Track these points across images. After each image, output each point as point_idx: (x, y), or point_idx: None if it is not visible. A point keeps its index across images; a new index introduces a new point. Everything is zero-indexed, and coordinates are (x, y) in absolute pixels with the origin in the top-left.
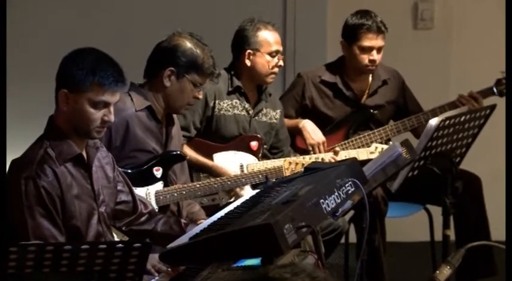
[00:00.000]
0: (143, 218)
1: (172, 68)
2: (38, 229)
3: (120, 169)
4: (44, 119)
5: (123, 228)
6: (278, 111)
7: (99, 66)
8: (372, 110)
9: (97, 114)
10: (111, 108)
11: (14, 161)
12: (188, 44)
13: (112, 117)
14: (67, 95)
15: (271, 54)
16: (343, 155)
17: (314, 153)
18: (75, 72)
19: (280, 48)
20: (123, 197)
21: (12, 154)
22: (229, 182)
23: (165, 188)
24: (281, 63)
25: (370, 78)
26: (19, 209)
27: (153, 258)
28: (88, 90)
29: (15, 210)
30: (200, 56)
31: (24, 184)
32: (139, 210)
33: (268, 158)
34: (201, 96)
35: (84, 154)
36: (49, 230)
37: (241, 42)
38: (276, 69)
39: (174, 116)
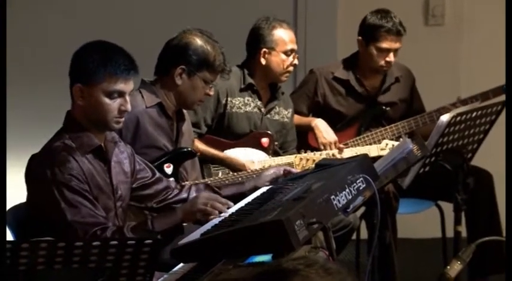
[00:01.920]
0: (175, 192)
1: (184, 66)
2: (76, 213)
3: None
4: (48, 119)
5: (154, 206)
6: (290, 110)
7: (109, 56)
8: (384, 107)
9: (113, 105)
10: (127, 97)
11: (34, 156)
12: (199, 42)
13: (129, 107)
14: (81, 89)
15: (287, 53)
16: (354, 151)
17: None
18: (86, 65)
19: (295, 47)
20: (149, 180)
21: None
22: (240, 179)
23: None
24: (296, 62)
25: (384, 74)
26: (49, 199)
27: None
28: (101, 81)
29: (45, 202)
30: (211, 54)
31: (50, 173)
32: (168, 186)
33: (279, 154)
34: (212, 93)
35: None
36: (89, 210)
37: (257, 40)
38: (290, 68)
39: (185, 112)
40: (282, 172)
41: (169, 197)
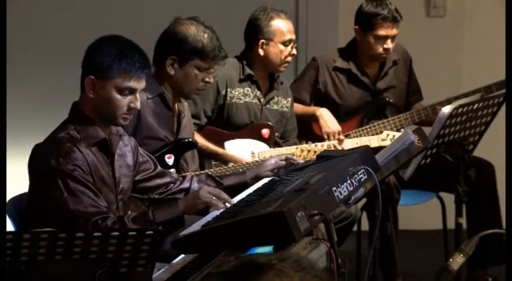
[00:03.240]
0: (177, 183)
1: (174, 56)
2: (78, 202)
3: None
4: (49, 111)
5: (156, 197)
6: (289, 99)
7: (125, 52)
8: (387, 99)
9: (123, 101)
10: (137, 95)
11: (38, 146)
12: (188, 30)
13: (138, 104)
14: (94, 82)
15: (285, 44)
16: (355, 142)
17: (329, 141)
18: (101, 58)
19: (293, 37)
20: (152, 173)
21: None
22: (241, 170)
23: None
24: (294, 51)
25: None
26: (52, 188)
27: (203, 191)
28: (115, 76)
29: (48, 191)
30: (201, 41)
31: (55, 163)
32: (170, 180)
33: (279, 145)
34: (211, 80)
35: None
36: (91, 200)
37: (255, 31)
38: (289, 58)
39: (185, 104)
40: (283, 161)
41: (172, 189)
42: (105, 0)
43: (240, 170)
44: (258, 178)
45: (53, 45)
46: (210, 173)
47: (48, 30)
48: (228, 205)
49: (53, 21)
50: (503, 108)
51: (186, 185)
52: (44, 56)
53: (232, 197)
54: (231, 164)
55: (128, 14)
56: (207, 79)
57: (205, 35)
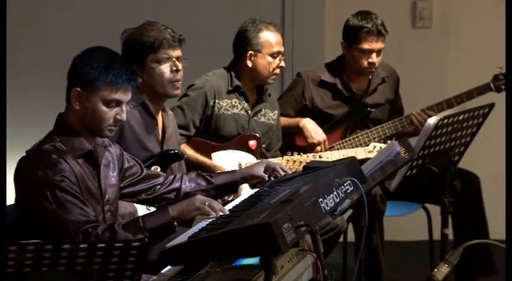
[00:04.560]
0: (167, 181)
1: (135, 66)
2: (67, 212)
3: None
4: (43, 118)
5: (145, 197)
6: (276, 112)
7: (112, 65)
8: (369, 109)
9: (110, 113)
10: (123, 107)
11: (23, 158)
12: (131, 37)
13: (124, 116)
14: (80, 94)
15: (273, 55)
16: (342, 154)
17: (315, 152)
18: (88, 71)
19: (282, 49)
20: (138, 177)
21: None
22: None
23: None
24: (282, 64)
25: (370, 76)
26: (40, 199)
27: (197, 199)
28: (101, 88)
29: (36, 203)
30: (141, 40)
31: (42, 175)
32: (158, 182)
33: (266, 157)
34: (179, 66)
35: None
36: (80, 210)
37: (243, 43)
38: (277, 70)
39: (170, 113)
40: (272, 166)
41: (160, 190)
42: (101, 10)
43: None
44: (248, 178)
45: (48, 55)
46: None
47: (49, 30)
48: (221, 213)
49: (49, 31)
50: (488, 119)
51: (176, 185)
52: (37, 65)
53: (223, 196)
54: None
55: (128, 14)
56: (175, 67)
57: (145, 32)
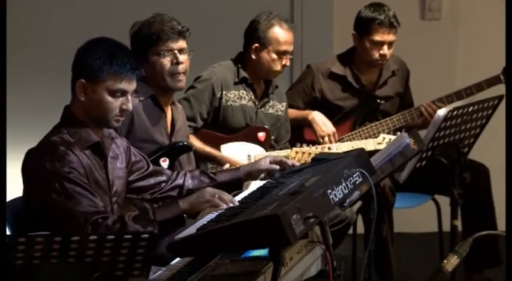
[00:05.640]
0: (171, 178)
1: (138, 58)
2: (77, 203)
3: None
4: (46, 114)
5: (149, 197)
6: (284, 103)
7: (115, 55)
8: (378, 100)
9: (115, 103)
10: (129, 97)
11: (31, 150)
12: (137, 28)
13: (130, 106)
14: (85, 85)
15: (279, 53)
16: (351, 145)
17: (325, 144)
18: (91, 62)
19: (290, 49)
20: (145, 172)
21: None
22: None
23: None
24: (287, 63)
25: (381, 68)
26: (49, 191)
27: (206, 191)
28: (106, 79)
29: (44, 195)
30: (146, 34)
31: (51, 166)
32: (163, 180)
33: (275, 149)
34: (182, 58)
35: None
36: (89, 201)
37: (252, 34)
38: (279, 68)
39: (179, 107)
40: (277, 164)
41: (165, 187)
42: (103, 6)
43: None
44: (251, 175)
45: (51, 50)
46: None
47: (50, 28)
48: (231, 205)
49: (51, 27)
50: (498, 111)
51: (179, 181)
52: (41, 59)
53: (227, 193)
54: (226, 166)
55: (128, 15)
56: (180, 59)
57: (149, 25)
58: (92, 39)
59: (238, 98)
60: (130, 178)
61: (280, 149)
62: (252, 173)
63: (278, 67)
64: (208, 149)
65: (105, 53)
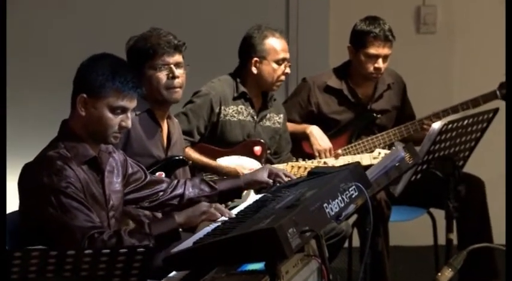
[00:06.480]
0: (170, 187)
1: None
2: (73, 218)
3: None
4: (46, 123)
5: (147, 205)
6: (281, 115)
7: (119, 72)
8: (374, 114)
9: (115, 120)
10: (129, 114)
11: (28, 165)
12: (132, 43)
13: (129, 123)
14: (86, 100)
15: (278, 62)
16: (347, 160)
17: (320, 159)
18: (94, 77)
19: (287, 56)
20: (142, 183)
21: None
22: None
23: None
24: (288, 70)
25: (375, 82)
26: (46, 206)
27: (202, 205)
28: (108, 95)
29: (41, 209)
30: (141, 49)
31: (48, 181)
32: (161, 189)
33: (271, 163)
34: (179, 72)
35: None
36: (86, 216)
37: (248, 49)
38: (282, 77)
39: (175, 121)
40: (274, 172)
41: (164, 196)
42: (102, 13)
43: None
44: (251, 183)
45: (51, 63)
46: (203, 177)
47: (49, 37)
48: (227, 216)
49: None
50: (493, 124)
51: (179, 191)
52: (42, 72)
53: (226, 201)
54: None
55: (131, 21)
56: (174, 73)
57: (145, 40)
58: (95, 55)
59: (237, 113)
60: (127, 190)
61: (282, 159)
62: (252, 182)
63: (281, 76)
64: (204, 159)
65: (108, 69)
